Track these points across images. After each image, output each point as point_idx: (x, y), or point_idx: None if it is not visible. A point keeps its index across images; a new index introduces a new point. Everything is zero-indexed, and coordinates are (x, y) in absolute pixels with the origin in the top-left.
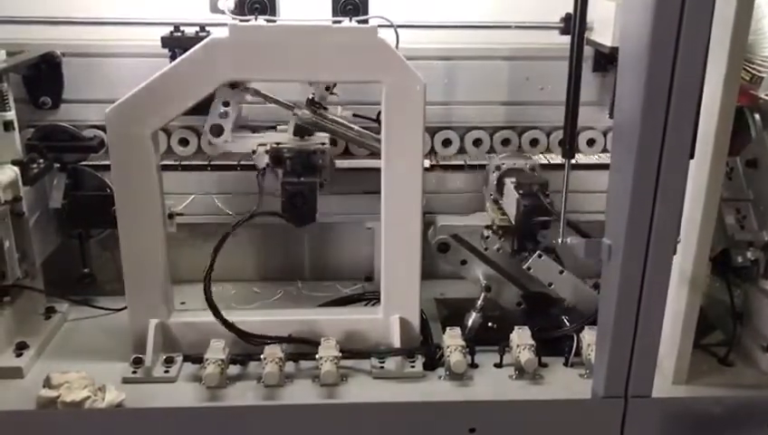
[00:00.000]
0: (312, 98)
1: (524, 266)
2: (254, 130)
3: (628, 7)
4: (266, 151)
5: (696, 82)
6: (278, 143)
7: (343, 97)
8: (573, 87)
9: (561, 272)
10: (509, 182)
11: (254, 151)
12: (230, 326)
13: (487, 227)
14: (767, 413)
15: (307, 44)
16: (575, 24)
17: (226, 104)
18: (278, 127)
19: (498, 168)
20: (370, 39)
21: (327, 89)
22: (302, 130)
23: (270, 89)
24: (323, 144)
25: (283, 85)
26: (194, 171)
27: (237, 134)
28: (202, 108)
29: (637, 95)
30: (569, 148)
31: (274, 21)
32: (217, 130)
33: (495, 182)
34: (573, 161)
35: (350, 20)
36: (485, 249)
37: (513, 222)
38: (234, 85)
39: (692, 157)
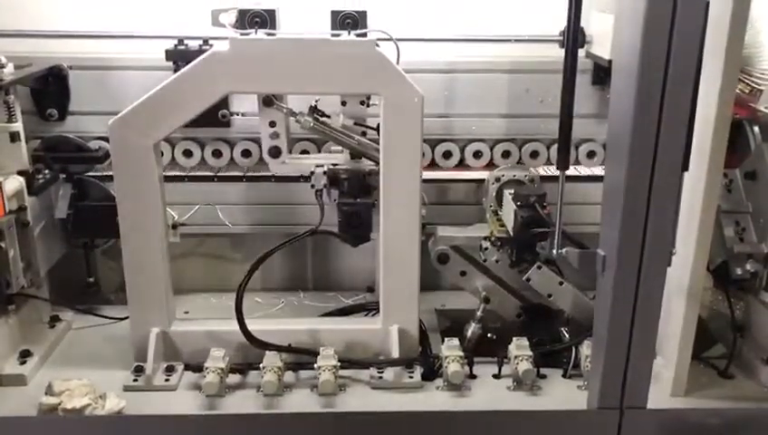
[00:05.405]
0: (315, 106)
1: (524, 278)
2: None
3: (620, 21)
4: (324, 172)
5: (688, 95)
6: (335, 164)
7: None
8: (567, 98)
9: (561, 283)
10: (507, 194)
11: (312, 172)
12: (252, 338)
13: (486, 239)
14: (765, 426)
15: (306, 57)
16: (569, 34)
17: (273, 124)
18: (332, 148)
19: (498, 179)
20: (369, 52)
21: (362, 103)
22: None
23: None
24: (378, 164)
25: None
26: (199, 182)
27: (293, 156)
28: (205, 120)
29: (628, 108)
30: (563, 159)
31: (274, 34)
32: (275, 152)
33: (495, 194)
34: (577, 173)
35: (349, 33)
36: (484, 260)
37: (512, 233)
38: (268, 103)
39: (686, 169)
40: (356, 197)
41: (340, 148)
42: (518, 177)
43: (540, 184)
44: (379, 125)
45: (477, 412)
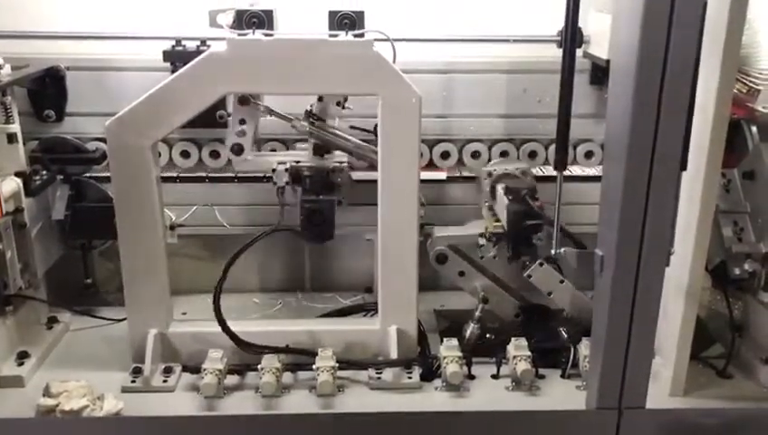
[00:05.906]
0: (311, 109)
1: (525, 274)
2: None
3: (618, 20)
4: (286, 169)
5: (686, 95)
6: (297, 161)
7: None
8: (565, 98)
9: (562, 282)
10: (500, 188)
11: (274, 170)
12: (234, 337)
13: (481, 235)
14: (764, 426)
15: (304, 58)
16: (566, 34)
17: (242, 122)
18: (297, 145)
19: (490, 174)
20: (366, 52)
21: (338, 104)
22: (320, 149)
23: (276, 99)
24: (341, 162)
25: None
26: (197, 183)
27: (258, 153)
28: (203, 120)
29: (626, 107)
30: (561, 159)
31: (272, 35)
32: (238, 149)
33: (489, 189)
34: (580, 173)
35: (346, 34)
36: (481, 257)
37: (506, 228)
38: (244, 102)
39: (684, 168)
40: (318, 194)
41: (304, 145)
42: (509, 171)
43: (532, 176)
44: (376, 126)
45: (476, 413)
